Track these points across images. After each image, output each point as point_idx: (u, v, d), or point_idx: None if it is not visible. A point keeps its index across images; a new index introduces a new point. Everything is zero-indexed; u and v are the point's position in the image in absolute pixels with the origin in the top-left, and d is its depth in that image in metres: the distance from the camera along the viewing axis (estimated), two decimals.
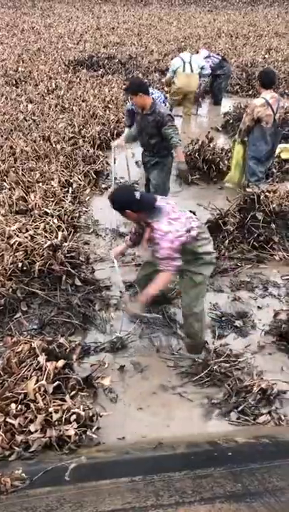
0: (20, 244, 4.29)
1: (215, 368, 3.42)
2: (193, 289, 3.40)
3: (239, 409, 3.15)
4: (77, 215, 5.29)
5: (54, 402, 2.86)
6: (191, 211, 3.58)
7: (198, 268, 3.35)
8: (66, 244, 4.33)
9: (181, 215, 3.28)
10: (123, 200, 3.26)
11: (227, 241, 4.88)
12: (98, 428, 2.86)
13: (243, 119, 5.78)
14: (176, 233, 3.14)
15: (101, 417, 2.96)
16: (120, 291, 4.12)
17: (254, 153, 5.76)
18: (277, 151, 6.28)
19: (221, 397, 3.27)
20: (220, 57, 9.47)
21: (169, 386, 3.38)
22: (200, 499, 2.28)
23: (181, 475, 2.48)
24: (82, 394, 3.06)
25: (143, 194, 3.34)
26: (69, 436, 2.74)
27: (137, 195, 3.23)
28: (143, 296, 3.40)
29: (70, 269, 4.12)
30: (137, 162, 6.75)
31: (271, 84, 5.64)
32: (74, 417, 2.81)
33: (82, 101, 8.64)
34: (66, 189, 5.58)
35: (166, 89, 8.83)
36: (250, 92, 10.34)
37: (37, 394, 2.86)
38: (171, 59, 9.13)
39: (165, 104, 6.29)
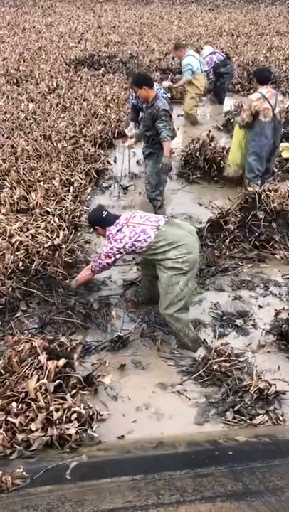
0: (21, 243, 4.30)
1: (215, 367, 3.42)
2: (167, 291, 3.47)
3: (235, 408, 3.15)
4: (78, 214, 5.29)
5: (55, 400, 2.87)
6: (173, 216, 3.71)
7: (163, 268, 3.48)
8: (64, 246, 4.36)
9: (134, 234, 3.48)
10: (91, 219, 3.83)
11: (228, 240, 4.88)
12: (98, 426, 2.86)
13: (240, 116, 5.85)
14: (116, 246, 3.52)
15: (101, 415, 2.97)
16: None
17: (254, 148, 5.77)
18: (279, 149, 6.27)
19: (219, 397, 3.27)
20: (224, 55, 9.44)
21: (169, 385, 3.38)
22: (201, 498, 2.28)
23: (181, 474, 2.48)
24: (83, 392, 3.07)
25: (110, 214, 3.73)
26: (70, 435, 2.74)
27: (104, 213, 3.72)
28: (71, 284, 4.03)
29: (61, 270, 4.13)
30: (138, 161, 6.76)
31: (266, 80, 5.76)
32: (75, 415, 2.81)
33: (83, 100, 8.64)
34: (67, 188, 5.58)
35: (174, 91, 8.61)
36: (251, 91, 10.29)
37: (38, 393, 2.86)
38: (178, 58, 8.42)
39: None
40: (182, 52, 8.07)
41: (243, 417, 3.11)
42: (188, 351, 3.65)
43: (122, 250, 3.52)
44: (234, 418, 3.12)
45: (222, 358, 3.49)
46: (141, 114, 5.32)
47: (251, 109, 5.59)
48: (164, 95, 6.22)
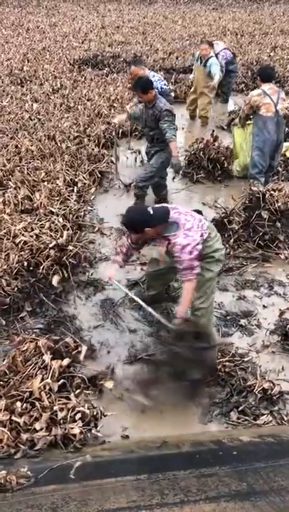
0: (25, 243, 4.31)
1: (219, 367, 3.42)
2: (203, 285, 3.41)
3: (239, 409, 3.14)
4: (82, 213, 5.29)
5: (59, 400, 2.88)
6: (196, 210, 3.59)
7: (208, 265, 3.40)
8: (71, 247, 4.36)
9: (194, 222, 3.30)
10: (139, 220, 3.26)
11: (232, 240, 4.87)
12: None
13: (241, 109, 6.07)
14: (193, 243, 3.21)
15: (105, 416, 2.97)
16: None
17: (257, 143, 5.83)
18: (283, 149, 6.26)
19: (223, 397, 3.26)
20: (232, 53, 9.41)
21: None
22: (205, 498, 2.28)
23: (186, 474, 2.49)
24: (87, 392, 3.07)
25: (154, 208, 3.34)
26: (74, 435, 2.75)
27: (150, 210, 3.26)
28: (178, 313, 3.33)
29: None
30: (141, 161, 6.75)
31: (269, 78, 5.87)
32: (79, 415, 2.82)
33: (87, 100, 8.64)
34: (71, 188, 5.58)
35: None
36: (256, 89, 10.28)
37: (42, 392, 2.87)
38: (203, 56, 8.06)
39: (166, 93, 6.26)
40: (209, 53, 7.99)
41: (247, 417, 3.11)
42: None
43: (199, 244, 3.25)
44: (238, 418, 3.11)
45: (226, 358, 3.48)
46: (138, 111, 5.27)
47: (251, 103, 5.75)
48: (165, 87, 6.25)
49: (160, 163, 5.32)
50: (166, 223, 3.24)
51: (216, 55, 8.72)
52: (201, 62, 8.04)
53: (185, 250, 3.19)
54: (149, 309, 3.56)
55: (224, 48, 9.15)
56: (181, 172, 5.69)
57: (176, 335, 3.33)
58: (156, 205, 3.49)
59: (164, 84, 6.29)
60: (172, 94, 6.93)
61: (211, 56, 7.97)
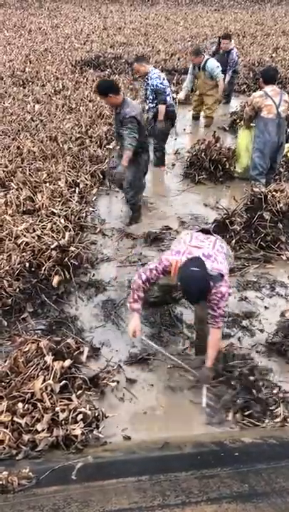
0: (27, 244, 4.31)
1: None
2: None
3: (246, 413, 3.14)
4: (84, 214, 5.30)
5: (61, 401, 2.88)
6: (203, 230, 3.53)
7: None
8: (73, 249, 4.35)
9: (223, 259, 3.20)
10: (205, 288, 3.00)
11: (234, 241, 4.87)
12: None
13: (244, 110, 6.17)
14: (230, 289, 3.19)
15: (107, 417, 2.97)
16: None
17: (258, 145, 5.85)
18: (285, 150, 6.26)
19: (228, 398, 3.26)
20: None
21: (175, 386, 3.38)
22: (206, 499, 2.28)
23: (187, 475, 2.48)
24: (89, 393, 3.07)
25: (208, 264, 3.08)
26: (76, 436, 2.75)
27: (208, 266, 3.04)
28: (210, 363, 3.25)
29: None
30: None
31: (272, 80, 5.88)
32: (81, 416, 2.82)
33: (89, 101, 8.65)
34: (73, 189, 5.59)
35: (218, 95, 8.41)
36: (259, 91, 10.28)
37: (44, 393, 2.87)
38: (197, 63, 8.10)
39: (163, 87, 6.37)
40: (201, 58, 8.02)
41: (251, 420, 3.10)
42: (195, 353, 3.62)
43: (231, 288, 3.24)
44: (243, 419, 3.11)
45: (232, 363, 3.48)
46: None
47: (253, 104, 5.78)
48: (160, 85, 6.28)
49: (137, 174, 5.24)
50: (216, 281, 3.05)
51: (230, 52, 8.80)
52: (199, 69, 8.11)
53: (224, 298, 3.11)
54: (179, 362, 3.44)
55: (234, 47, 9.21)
56: (117, 184, 5.57)
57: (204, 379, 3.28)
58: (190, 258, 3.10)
59: (160, 83, 6.31)
60: (173, 95, 6.92)
61: (208, 59, 8.06)
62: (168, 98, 6.43)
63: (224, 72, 8.73)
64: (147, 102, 6.56)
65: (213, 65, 7.99)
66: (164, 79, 6.43)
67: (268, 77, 5.84)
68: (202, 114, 8.73)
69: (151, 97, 6.41)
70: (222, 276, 3.07)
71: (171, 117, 6.62)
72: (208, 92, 8.27)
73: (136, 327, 3.35)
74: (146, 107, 6.62)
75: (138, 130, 4.89)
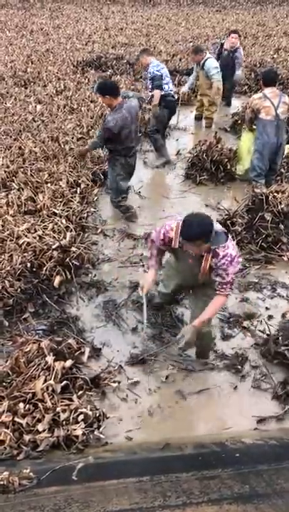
0: (28, 244, 4.31)
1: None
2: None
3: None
4: (85, 215, 5.30)
5: (62, 401, 2.88)
6: None
7: None
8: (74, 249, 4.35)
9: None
10: (211, 230, 2.94)
11: (235, 241, 4.85)
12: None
13: (245, 112, 6.19)
14: (238, 254, 3.08)
15: (108, 418, 2.97)
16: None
17: (257, 146, 5.89)
18: (286, 151, 6.27)
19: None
20: None
21: (176, 386, 3.38)
22: (207, 500, 2.28)
23: (188, 476, 2.49)
24: (90, 394, 3.07)
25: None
26: (76, 436, 2.75)
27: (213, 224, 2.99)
28: (198, 322, 3.19)
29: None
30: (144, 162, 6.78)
31: (272, 82, 5.90)
32: (82, 416, 2.82)
33: (91, 101, 8.65)
34: (74, 189, 5.59)
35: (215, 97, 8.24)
36: (258, 92, 10.26)
37: (45, 393, 2.87)
38: (196, 62, 8.08)
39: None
40: (201, 56, 7.99)
41: None
42: (196, 357, 3.64)
43: (240, 258, 3.14)
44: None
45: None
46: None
47: (252, 106, 5.81)
48: (157, 72, 6.45)
49: (115, 177, 5.28)
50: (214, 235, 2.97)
51: (236, 50, 8.74)
52: (198, 67, 8.12)
53: (234, 263, 3.01)
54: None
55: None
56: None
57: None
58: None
59: (156, 70, 6.47)
60: (175, 96, 6.96)
61: (208, 58, 7.98)
62: (166, 86, 6.57)
63: (230, 72, 8.79)
64: (148, 91, 6.74)
65: (211, 65, 7.91)
66: (162, 68, 6.60)
67: (268, 79, 5.87)
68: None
69: (150, 86, 6.60)
70: (227, 237, 3.02)
71: (169, 107, 6.73)
72: (206, 91, 8.28)
73: (145, 283, 3.42)
74: (148, 98, 6.75)
75: (114, 140, 4.95)
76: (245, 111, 6.18)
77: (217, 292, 3.14)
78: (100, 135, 5.03)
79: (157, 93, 6.49)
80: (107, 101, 4.94)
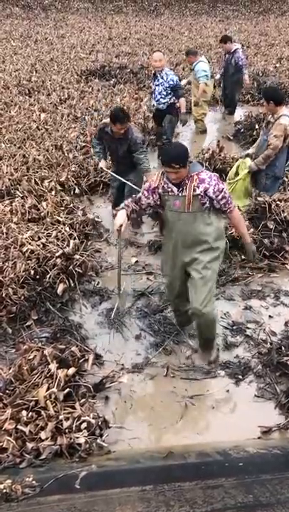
0: (32, 252, 4.33)
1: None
2: (207, 282, 3.32)
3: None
4: (88, 223, 5.32)
5: (65, 409, 2.87)
6: None
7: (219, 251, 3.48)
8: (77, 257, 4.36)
9: None
10: (184, 155, 3.15)
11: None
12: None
13: (271, 143, 5.03)
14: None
15: (110, 427, 2.96)
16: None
17: (273, 172, 5.32)
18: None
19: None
20: None
21: (179, 395, 3.37)
22: (211, 510, 2.27)
23: (191, 485, 2.47)
24: (92, 401, 3.07)
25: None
26: (79, 444, 2.74)
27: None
28: (247, 237, 3.63)
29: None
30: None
31: (282, 99, 5.19)
32: (84, 424, 2.82)
33: (94, 110, 8.72)
34: (79, 199, 5.62)
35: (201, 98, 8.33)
36: (261, 101, 10.29)
37: (48, 401, 2.87)
38: (189, 63, 8.55)
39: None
40: (193, 59, 8.12)
41: None
42: (201, 360, 3.64)
43: None
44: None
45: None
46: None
47: (287, 132, 5.02)
48: (176, 77, 6.77)
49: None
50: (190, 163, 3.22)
51: (235, 52, 8.77)
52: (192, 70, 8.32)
53: (224, 191, 3.22)
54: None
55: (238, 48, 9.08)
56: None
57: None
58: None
59: (178, 79, 6.91)
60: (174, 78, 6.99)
61: (199, 61, 8.10)
62: None
63: (230, 79, 8.95)
64: (158, 97, 6.78)
65: (200, 67, 8.04)
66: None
67: (280, 98, 5.14)
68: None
69: (164, 93, 6.70)
70: (202, 165, 3.29)
71: (177, 115, 7.02)
72: (196, 93, 8.36)
73: (119, 223, 3.45)
74: (154, 103, 6.95)
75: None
76: (273, 140, 5.03)
77: (228, 211, 3.36)
78: (145, 154, 5.06)
79: (183, 102, 6.85)
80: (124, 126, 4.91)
